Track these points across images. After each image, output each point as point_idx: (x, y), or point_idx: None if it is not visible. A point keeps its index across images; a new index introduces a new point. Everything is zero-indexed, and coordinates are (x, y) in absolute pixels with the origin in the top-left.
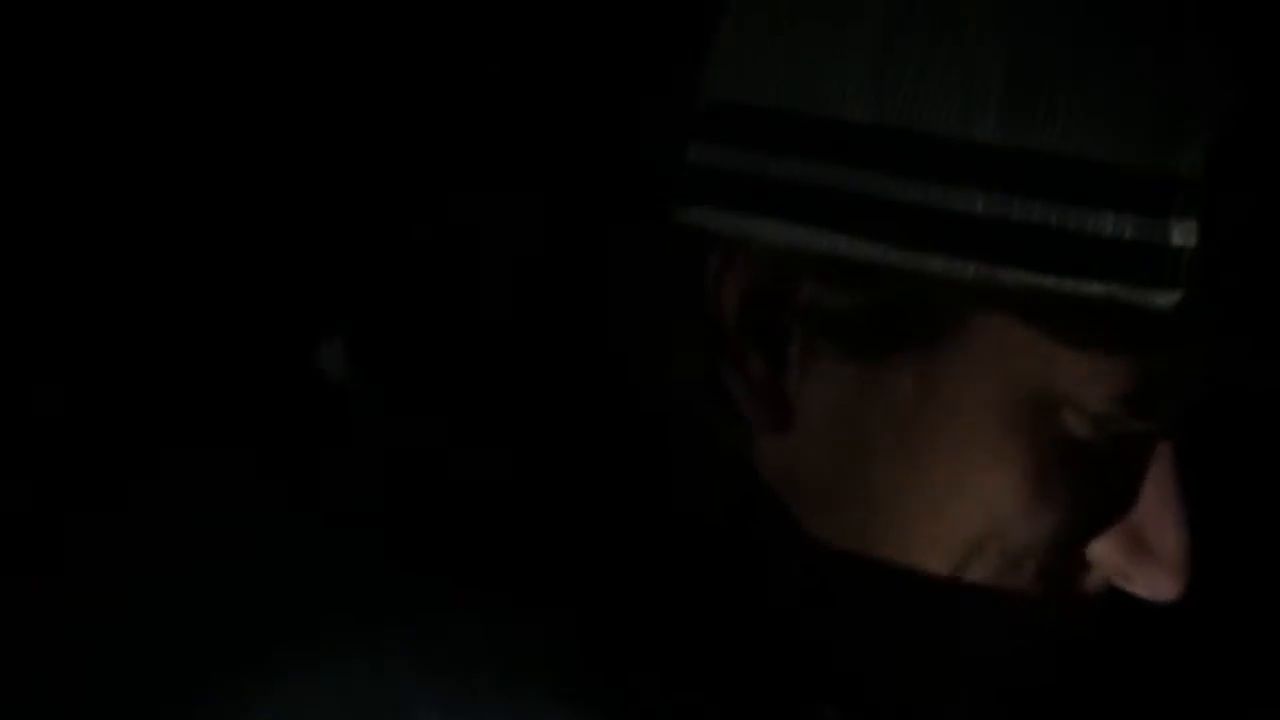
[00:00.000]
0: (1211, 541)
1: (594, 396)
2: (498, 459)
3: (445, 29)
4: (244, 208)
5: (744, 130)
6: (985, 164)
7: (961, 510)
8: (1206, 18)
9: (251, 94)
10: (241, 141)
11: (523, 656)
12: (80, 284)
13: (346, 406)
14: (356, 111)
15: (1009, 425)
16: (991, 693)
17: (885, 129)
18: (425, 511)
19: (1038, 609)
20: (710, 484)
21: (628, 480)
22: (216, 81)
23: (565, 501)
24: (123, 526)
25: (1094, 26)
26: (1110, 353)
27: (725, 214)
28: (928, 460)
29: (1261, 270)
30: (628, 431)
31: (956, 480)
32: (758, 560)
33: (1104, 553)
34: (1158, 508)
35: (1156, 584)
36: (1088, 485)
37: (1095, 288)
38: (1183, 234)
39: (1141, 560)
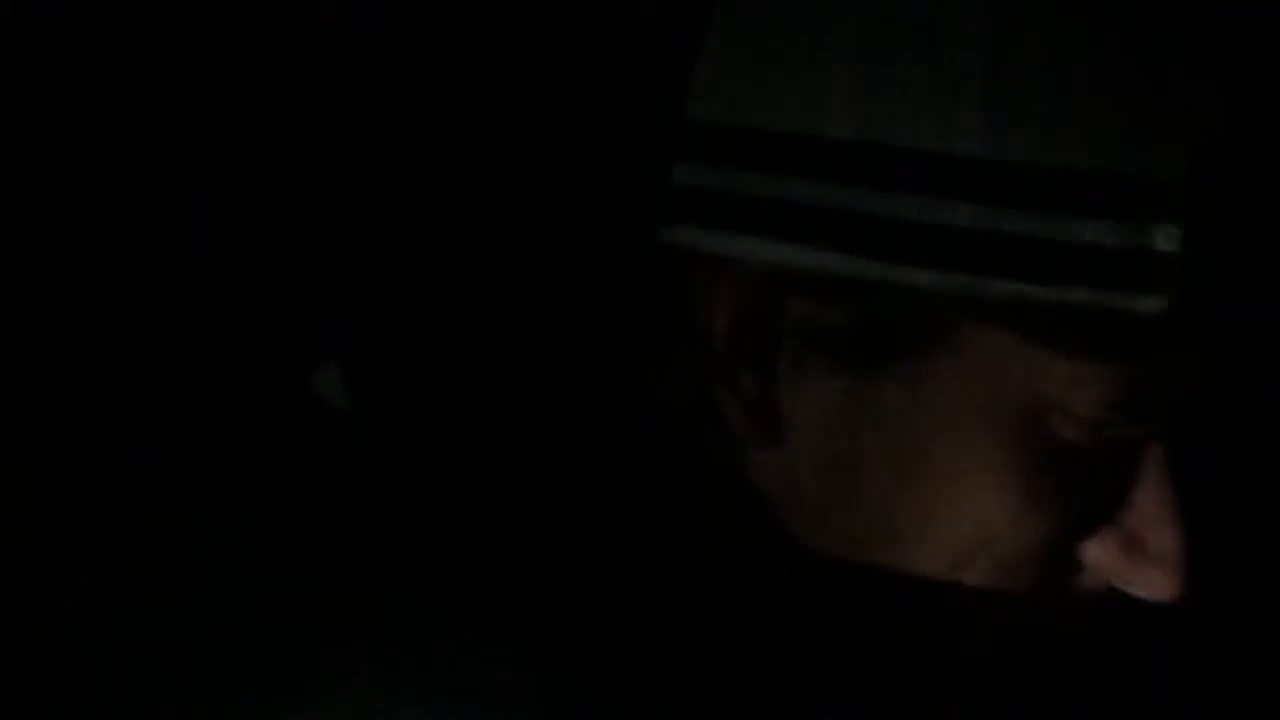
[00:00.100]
0: (1207, 542)
1: (589, 415)
2: (496, 479)
3: (433, 46)
4: (242, 226)
5: (728, 150)
6: (968, 176)
7: (954, 519)
8: (1186, 24)
9: (249, 119)
10: (235, 166)
11: (518, 679)
12: (79, 300)
13: (344, 429)
14: (349, 124)
15: (999, 434)
16: (990, 695)
17: (868, 144)
18: (426, 532)
19: (1035, 612)
20: (706, 499)
21: (625, 497)
22: (222, 103)
23: (564, 520)
24: (119, 549)
25: (1072, 36)
26: (1099, 359)
27: (712, 233)
28: (919, 471)
29: (1247, 274)
30: (623, 450)
31: (948, 489)
32: (754, 572)
33: (1099, 555)
34: (1152, 508)
35: (1153, 584)
36: (1079, 490)
37: (1081, 295)
38: (1165, 239)
39: (1137, 561)
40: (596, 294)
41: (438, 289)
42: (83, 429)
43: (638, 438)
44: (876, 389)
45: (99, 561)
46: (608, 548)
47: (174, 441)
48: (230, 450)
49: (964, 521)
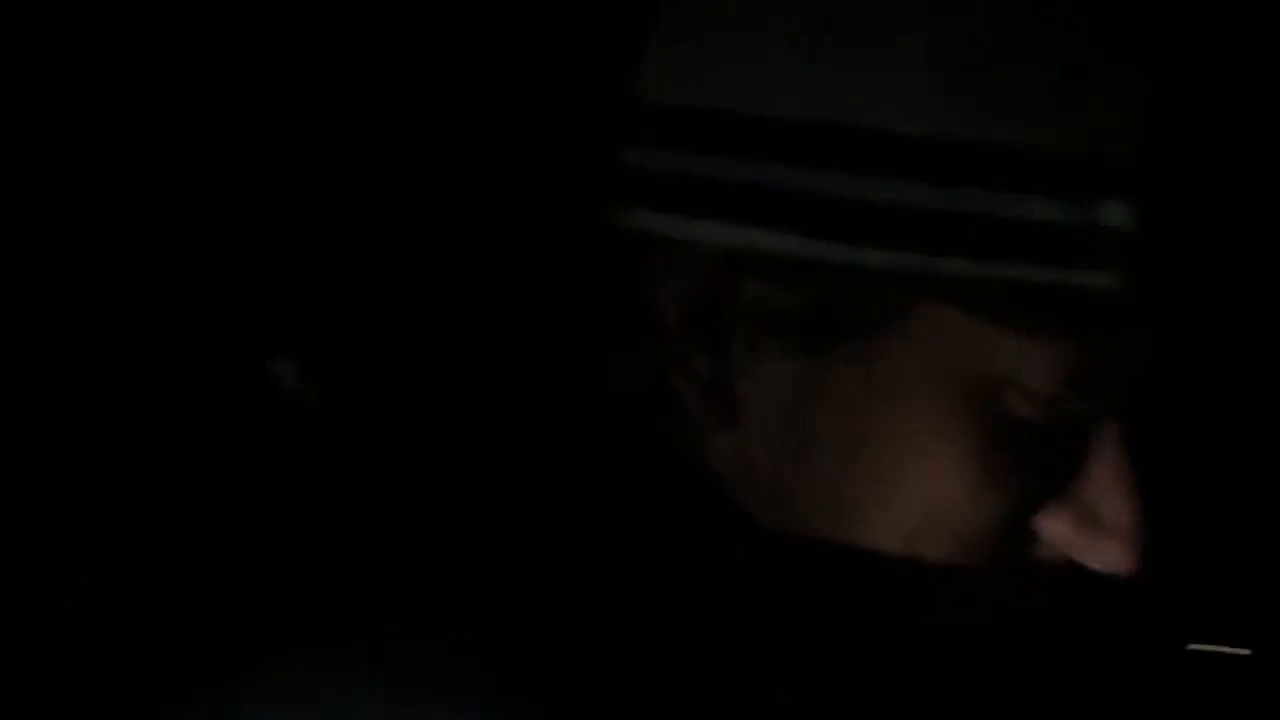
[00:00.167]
0: (1162, 515)
1: (545, 399)
2: (456, 467)
3: (390, 39)
4: (241, 226)
5: (679, 132)
6: (917, 156)
7: (909, 495)
8: (1134, 1)
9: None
10: (235, 166)
11: (494, 672)
12: (78, 299)
13: (304, 421)
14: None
15: (954, 411)
16: (950, 668)
17: (819, 125)
18: (390, 525)
19: (992, 586)
20: (667, 483)
21: (587, 483)
22: (222, 104)
23: (527, 507)
24: (119, 549)
25: (1018, 15)
26: (1052, 336)
27: (664, 216)
28: (874, 450)
29: (1200, 251)
30: (582, 434)
31: (903, 467)
32: (714, 553)
33: (1056, 528)
34: (1107, 483)
35: (1108, 556)
36: (1034, 466)
37: (1032, 272)
38: (1115, 216)
39: (1093, 534)
40: (553, 278)
41: (391, 280)
42: (83, 429)
43: (602, 425)
44: (829, 370)
45: (99, 561)
46: (573, 536)
47: (174, 441)
48: (230, 450)
49: (920, 498)
